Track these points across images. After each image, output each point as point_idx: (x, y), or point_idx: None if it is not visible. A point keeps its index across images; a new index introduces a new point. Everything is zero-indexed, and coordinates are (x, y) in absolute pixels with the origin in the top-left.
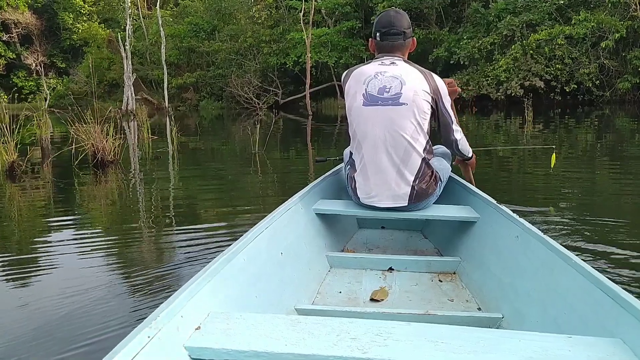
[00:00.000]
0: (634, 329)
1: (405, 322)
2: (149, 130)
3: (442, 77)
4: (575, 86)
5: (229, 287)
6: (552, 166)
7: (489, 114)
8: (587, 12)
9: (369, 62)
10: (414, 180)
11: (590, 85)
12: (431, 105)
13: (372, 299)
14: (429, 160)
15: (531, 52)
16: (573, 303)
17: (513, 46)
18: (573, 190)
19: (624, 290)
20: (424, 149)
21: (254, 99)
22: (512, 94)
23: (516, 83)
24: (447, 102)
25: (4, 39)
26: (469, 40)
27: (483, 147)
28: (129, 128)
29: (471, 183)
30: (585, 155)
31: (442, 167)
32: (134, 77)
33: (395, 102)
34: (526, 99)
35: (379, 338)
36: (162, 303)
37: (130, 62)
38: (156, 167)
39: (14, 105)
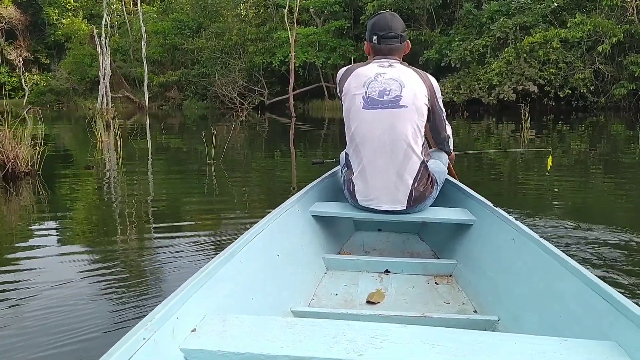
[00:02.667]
0: (629, 331)
1: (402, 324)
2: (102, 134)
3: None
4: (570, 91)
5: (225, 289)
6: (548, 169)
7: (481, 118)
8: (583, 15)
9: (368, 63)
10: (413, 184)
11: (585, 90)
12: (428, 107)
13: (368, 302)
14: (427, 162)
15: (525, 55)
16: (569, 306)
17: (506, 49)
18: (566, 197)
19: (619, 293)
20: (422, 152)
21: (239, 99)
22: (505, 99)
23: (509, 87)
24: (440, 98)
25: None
26: (461, 42)
27: (478, 151)
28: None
29: (454, 177)
30: (579, 163)
31: (439, 169)
32: (110, 73)
33: (395, 105)
34: (523, 105)
35: (375, 340)
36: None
37: (106, 58)
38: (81, 181)
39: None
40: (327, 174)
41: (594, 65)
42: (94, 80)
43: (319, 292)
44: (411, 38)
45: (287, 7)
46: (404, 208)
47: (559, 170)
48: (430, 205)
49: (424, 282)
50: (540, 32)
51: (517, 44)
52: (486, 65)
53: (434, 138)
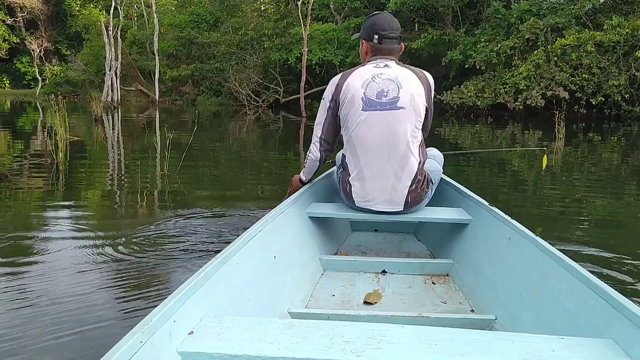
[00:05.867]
0: (625, 329)
1: (399, 324)
2: (68, 130)
3: (453, 85)
4: (603, 99)
5: (222, 291)
6: (543, 167)
7: (505, 124)
8: (620, 17)
9: (364, 65)
10: (410, 186)
11: (619, 98)
12: (426, 106)
13: (365, 302)
14: (424, 163)
15: (555, 59)
16: (565, 304)
17: (535, 51)
18: (594, 214)
19: (615, 291)
20: (419, 153)
21: (253, 96)
22: (533, 104)
23: (537, 92)
24: (432, 97)
25: (9, 22)
26: (487, 43)
27: (471, 150)
28: (108, 122)
29: None
30: (611, 176)
31: (434, 169)
32: (116, 65)
33: (393, 107)
34: (558, 112)
35: (372, 341)
36: (154, 308)
37: (113, 49)
38: None
39: (15, 91)
40: (322, 175)
41: (629, 71)
42: (115, 73)
43: (316, 293)
44: (434, 38)
45: (300, 0)
46: (401, 209)
47: (588, 184)
48: (426, 205)
49: (420, 282)
50: (573, 34)
51: (548, 46)
52: (513, 69)
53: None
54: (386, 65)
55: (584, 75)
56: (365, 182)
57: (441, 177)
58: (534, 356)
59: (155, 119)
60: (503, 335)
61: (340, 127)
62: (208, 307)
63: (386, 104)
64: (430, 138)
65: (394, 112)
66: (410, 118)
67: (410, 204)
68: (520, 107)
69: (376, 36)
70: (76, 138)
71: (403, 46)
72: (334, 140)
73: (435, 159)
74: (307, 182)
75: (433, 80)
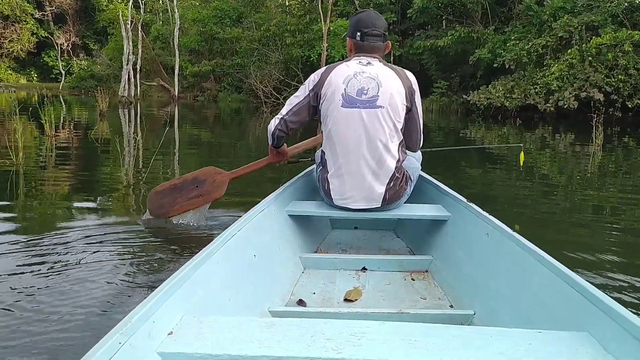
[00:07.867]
0: (602, 322)
1: (379, 321)
2: (53, 125)
3: (481, 84)
4: (639, 102)
5: (202, 290)
6: (521, 164)
7: (535, 127)
8: None
9: (348, 60)
10: (388, 183)
11: None
12: (406, 106)
13: (346, 299)
14: (402, 161)
15: (590, 58)
16: (543, 299)
17: (569, 50)
18: (627, 227)
19: (592, 286)
20: (398, 151)
21: (274, 92)
22: (565, 106)
23: (570, 94)
24: (419, 99)
25: (37, 16)
26: (517, 42)
27: (445, 148)
28: (124, 117)
29: None
30: None
31: (412, 166)
32: (133, 59)
33: (372, 105)
34: (595, 115)
35: (353, 338)
36: (133, 308)
37: (131, 43)
38: None
39: (42, 84)
40: (302, 173)
41: None
42: (134, 67)
43: (297, 291)
44: (462, 35)
45: None
46: (379, 206)
47: (622, 193)
48: (405, 202)
49: (400, 279)
50: (609, 33)
51: (583, 45)
52: (545, 68)
53: (405, 139)
54: (369, 63)
55: (620, 77)
56: (344, 179)
57: (420, 174)
58: (512, 350)
59: (174, 115)
60: (482, 330)
61: (321, 123)
62: (188, 307)
63: (365, 102)
64: (454, 139)
65: (373, 111)
66: (388, 117)
67: (388, 201)
68: (552, 108)
69: (359, 33)
70: (59, 136)
71: (389, 44)
72: (296, 126)
73: (414, 156)
74: (276, 147)
75: (415, 80)
